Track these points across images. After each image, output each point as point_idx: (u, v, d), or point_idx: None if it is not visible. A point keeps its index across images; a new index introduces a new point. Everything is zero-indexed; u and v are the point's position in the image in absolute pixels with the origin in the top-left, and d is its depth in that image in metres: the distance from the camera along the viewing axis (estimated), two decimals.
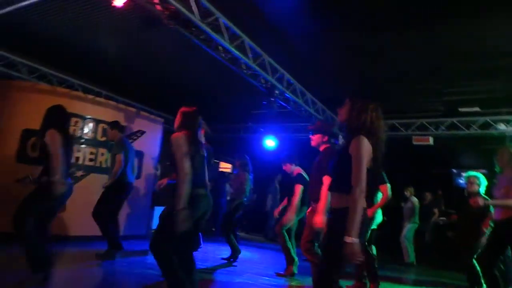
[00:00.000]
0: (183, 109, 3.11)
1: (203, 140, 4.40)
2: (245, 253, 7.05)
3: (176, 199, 2.66)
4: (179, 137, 2.84)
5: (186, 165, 2.75)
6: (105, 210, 4.83)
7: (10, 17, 5.02)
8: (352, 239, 1.98)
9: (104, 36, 5.87)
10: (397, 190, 7.60)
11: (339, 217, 2.14)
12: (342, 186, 2.16)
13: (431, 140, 7.78)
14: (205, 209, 2.94)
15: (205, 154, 3.10)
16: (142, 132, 7.33)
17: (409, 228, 7.58)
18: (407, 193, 7.74)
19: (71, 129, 6.32)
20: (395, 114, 7.84)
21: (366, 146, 2.13)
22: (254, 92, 6.77)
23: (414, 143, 7.94)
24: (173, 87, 7.79)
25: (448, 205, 8.49)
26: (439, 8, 4.35)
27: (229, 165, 11.56)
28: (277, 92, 6.20)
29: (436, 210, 8.27)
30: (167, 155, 3.04)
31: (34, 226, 3.33)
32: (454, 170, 9.59)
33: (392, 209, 8.00)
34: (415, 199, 7.70)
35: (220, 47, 5.11)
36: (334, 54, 5.81)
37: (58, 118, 3.60)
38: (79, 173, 6.37)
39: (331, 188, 2.33)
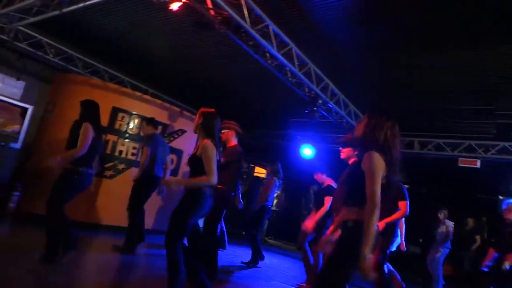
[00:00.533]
0: (202, 110, 3.25)
1: (235, 141, 4.49)
2: (275, 260, 7.02)
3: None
4: (211, 146, 3.06)
5: (215, 170, 3.01)
6: (137, 204, 4.99)
7: (74, 14, 5.34)
8: (366, 254, 2.00)
9: (155, 37, 6.11)
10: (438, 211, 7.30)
11: (348, 230, 2.19)
12: (352, 199, 2.23)
13: (478, 163, 7.36)
14: (210, 205, 3.17)
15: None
16: (183, 131, 7.51)
17: (443, 254, 7.18)
18: (440, 216, 7.36)
19: (118, 123, 6.63)
20: (442, 133, 7.52)
21: (378, 161, 2.15)
22: (296, 100, 6.75)
23: (460, 165, 7.56)
24: (216, 90, 7.94)
25: (492, 233, 8.01)
26: (498, 26, 4.14)
27: (264, 171, 11.56)
28: (320, 101, 6.14)
29: (478, 238, 7.83)
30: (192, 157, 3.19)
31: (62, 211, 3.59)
32: (501, 197, 9.02)
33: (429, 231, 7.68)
34: (449, 223, 7.31)
35: (267, 54, 5.15)
36: (382, 68, 5.68)
37: (92, 112, 3.86)
38: (121, 166, 6.63)
39: (343, 201, 2.39)
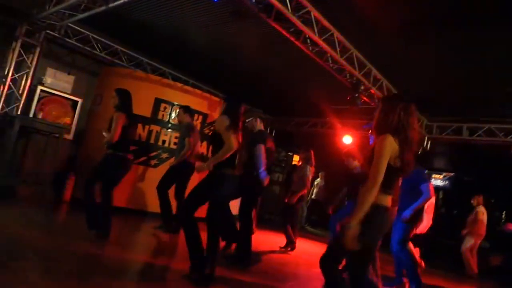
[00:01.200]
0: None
1: (260, 126, 4.51)
2: (315, 248, 7.02)
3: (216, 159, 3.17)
4: (221, 118, 3.26)
5: (232, 139, 3.12)
6: (166, 187, 5.21)
7: (119, 9, 5.51)
8: (352, 225, 2.10)
9: (195, 29, 6.18)
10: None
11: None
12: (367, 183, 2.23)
13: None
14: (232, 189, 3.28)
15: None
16: None
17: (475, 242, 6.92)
18: (473, 202, 7.07)
19: (160, 114, 6.83)
20: (495, 118, 7.08)
21: (388, 144, 2.18)
22: (336, 87, 6.61)
23: None
24: (255, 79, 7.93)
25: None
26: None
27: None
28: (362, 88, 5.97)
29: None
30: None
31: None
32: None
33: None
34: (481, 209, 6.98)
35: (308, 40, 5.07)
36: (428, 51, 5.39)
37: (126, 101, 4.19)
38: (165, 155, 6.85)
39: (361, 184, 2.40)
